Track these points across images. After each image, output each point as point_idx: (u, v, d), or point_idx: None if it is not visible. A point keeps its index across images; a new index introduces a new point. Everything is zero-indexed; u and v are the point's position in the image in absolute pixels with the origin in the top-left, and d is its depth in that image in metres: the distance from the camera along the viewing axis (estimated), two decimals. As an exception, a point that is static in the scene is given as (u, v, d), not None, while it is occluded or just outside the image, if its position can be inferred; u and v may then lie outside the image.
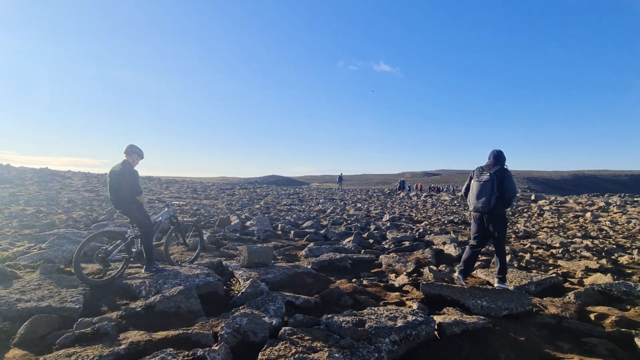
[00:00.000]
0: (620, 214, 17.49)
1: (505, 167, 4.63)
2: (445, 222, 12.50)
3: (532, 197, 28.90)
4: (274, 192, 27.23)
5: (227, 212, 12.12)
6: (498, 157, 4.68)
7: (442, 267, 6.27)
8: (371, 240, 8.35)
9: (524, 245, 8.82)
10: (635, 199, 26.99)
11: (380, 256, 6.60)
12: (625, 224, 13.85)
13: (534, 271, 6.37)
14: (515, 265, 6.67)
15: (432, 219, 13.47)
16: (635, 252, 7.83)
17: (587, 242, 9.59)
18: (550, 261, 7.30)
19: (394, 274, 5.74)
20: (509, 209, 15.63)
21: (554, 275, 6.08)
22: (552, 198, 27.46)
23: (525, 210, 19.26)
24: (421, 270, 5.98)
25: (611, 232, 11.66)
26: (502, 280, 4.80)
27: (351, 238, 7.94)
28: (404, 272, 5.75)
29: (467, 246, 4.92)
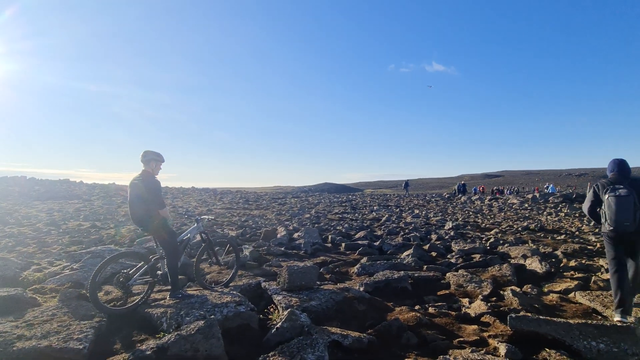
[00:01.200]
0: None
1: (638, 177, 4.06)
2: (520, 229, 10.90)
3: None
4: (325, 200, 26.62)
5: (275, 223, 11.62)
6: (624, 167, 4.11)
7: (527, 287, 5.06)
8: (434, 254, 7.26)
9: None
10: None
11: (447, 274, 5.53)
12: None
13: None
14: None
15: (503, 226, 11.87)
16: None
17: None
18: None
19: (466, 299, 4.67)
20: None
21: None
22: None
23: None
24: (501, 292, 4.84)
25: None
26: (624, 312, 3.81)
27: (410, 251, 6.92)
28: (480, 296, 4.66)
29: (612, 274, 4.04)
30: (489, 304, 4.33)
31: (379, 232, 10.08)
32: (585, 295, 4.56)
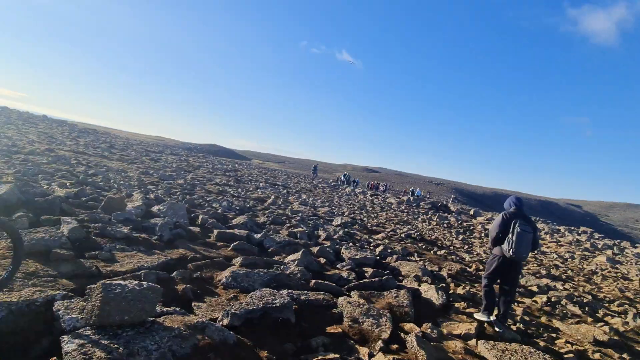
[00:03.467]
0: (555, 244, 17.37)
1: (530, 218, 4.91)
2: (403, 235, 10.73)
3: (471, 212, 28.94)
4: (208, 165, 23.95)
5: (133, 186, 9.10)
6: (522, 206, 4.90)
7: (426, 327, 4.23)
8: (323, 260, 6.12)
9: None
10: (557, 228, 27.99)
11: (340, 298, 4.38)
12: (570, 260, 13.30)
13: (541, 341, 4.62)
14: (514, 328, 4.88)
15: (388, 230, 11.64)
16: (630, 316, 6.54)
17: (559, 285, 8.36)
18: (544, 320, 5.68)
19: (364, 345, 3.54)
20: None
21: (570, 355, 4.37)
22: (490, 215, 27.67)
23: (471, 227, 18.47)
24: (402, 336, 3.87)
25: (569, 272, 10.74)
26: (489, 314, 4.82)
27: (298, 256, 5.62)
28: (379, 341, 3.59)
29: (486, 280, 4.87)
30: (391, 357, 3.28)
31: (262, 219, 8.60)
32: (490, 349, 3.88)
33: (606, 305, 7.53)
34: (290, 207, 11.78)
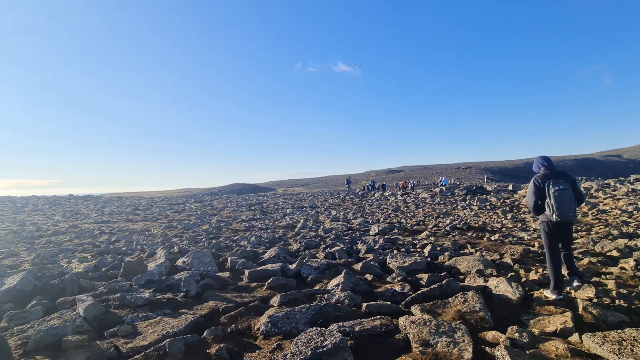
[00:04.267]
0: (611, 199, 15.85)
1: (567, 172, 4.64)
2: (448, 228, 9.86)
3: (510, 187, 27.38)
4: (232, 204, 23.77)
5: (156, 243, 8.75)
6: (552, 163, 4.65)
7: (511, 330, 3.46)
8: (369, 277, 5.43)
9: (577, 259, 6.27)
10: (606, 182, 25.91)
11: (400, 319, 3.68)
12: (636, 212, 11.94)
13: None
14: (617, 306, 3.99)
15: (429, 225, 10.79)
16: None
17: (639, 243, 7.27)
18: (645, 288, 4.73)
19: (446, 376, 2.83)
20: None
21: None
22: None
23: (516, 203, 17.20)
24: (487, 350, 3.13)
25: (645, 225, 9.51)
26: (559, 292, 4.32)
27: (340, 278, 4.97)
28: (463, 366, 2.87)
29: (550, 256, 4.49)
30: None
31: (295, 246, 8.01)
32: (601, 343, 3.07)
33: None
34: (322, 226, 11.16)
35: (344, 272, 5.09)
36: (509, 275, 5.25)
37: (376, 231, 9.69)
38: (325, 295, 4.50)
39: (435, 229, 10.11)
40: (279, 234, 9.99)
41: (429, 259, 6.44)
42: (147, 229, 11.65)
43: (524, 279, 5.18)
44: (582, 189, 4.24)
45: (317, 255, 7.05)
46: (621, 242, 7.22)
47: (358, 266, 5.91)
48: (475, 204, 17.28)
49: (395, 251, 6.96)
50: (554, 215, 4.29)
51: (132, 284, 5.12)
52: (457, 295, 4.19)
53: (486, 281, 4.91)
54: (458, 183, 41.42)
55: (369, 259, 6.41)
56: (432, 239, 8.57)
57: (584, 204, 15.48)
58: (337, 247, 7.28)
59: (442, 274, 5.38)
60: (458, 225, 10.19)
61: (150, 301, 4.45)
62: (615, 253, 6.47)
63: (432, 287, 4.53)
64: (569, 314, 3.68)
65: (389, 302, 4.28)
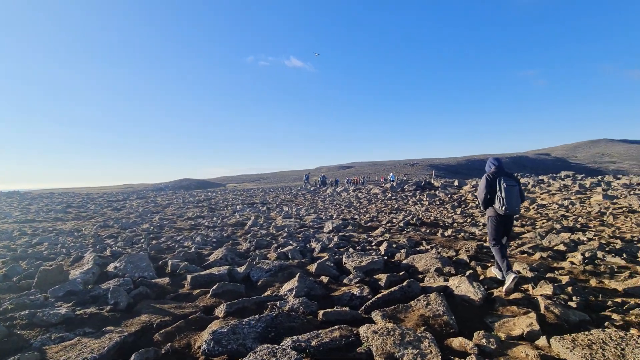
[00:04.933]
0: (547, 194, 16.97)
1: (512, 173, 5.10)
2: (402, 224, 9.80)
3: (456, 183, 28.57)
4: (178, 201, 22.39)
5: (87, 246, 7.74)
6: (502, 164, 5.01)
7: (477, 336, 3.24)
8: (324, 279, 5.04)
9: (529, 254, 6.37)
10: (540, 178, 27.95)
11: (362, 329, 3.32)
12: (571, 206, 12.80)
13: (613, 314, 3.73)
14: (574, 305, 3.95)
15: (383, 221, 10.70)
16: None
17: (582, 236, 7.63)
18: (594, 283, 4.81)
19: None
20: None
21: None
22: (474, 182, 27.36)
23: (462, 198, 17.84)
24: (455, 360, 2.87)
25: (580, 219, 10.12)
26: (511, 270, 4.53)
27: (294, 282, 4.53)
28: (432, 381, 2.57)
29: (497, 247, 4.80)
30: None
31: (244, 246, 7.44)
32: (572, 348, 2.92)
33: (639, 245, 6.83)
34: (273, 224, 10.64)
35: (298, 274, 4.66)
36: (467, 273, 5.14)
37: (330, 228, 9.38)
38: (278, 303, 4.04)
39: (389, 225, 10.01)
40: (227, 232, 9.33)
41: (385, 258, 6.21)
42: (77, 229, 10.40)
43: (482, 277, 5.10)
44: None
45: (268, 255, 6.56)
46: (565, 235, 7.50)
47: (313, 267, 5.51)
48: (425, 199, 17.66)
49: (351, 249, 6.66)
50: (503, 208, 4.59)
51: (48, 296, 4.30)
52: (419, 298, 3.93)
53: (446, 280, 4.73)
54: (405, 179, 42.74)
55: (324, 258, 6.04)
56: (387, 235, 8.41)
57: (526, 202, 16.44)
58: (290, 247, 6.83)
59: (401, 273, 5.14)
60: (411, 221, 10.18)
61: (67, 318, 3.71)
62: (562, 247, 6.67)
63: (392, 289, 4.24)
64: (533, 314, 3.55)
65: (347, 308, 3.91)
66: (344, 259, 5.96)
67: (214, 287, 4.58)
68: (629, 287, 4.49)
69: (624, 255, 6.06)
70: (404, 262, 5.89)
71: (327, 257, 6.11)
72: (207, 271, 5.31)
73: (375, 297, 4.13)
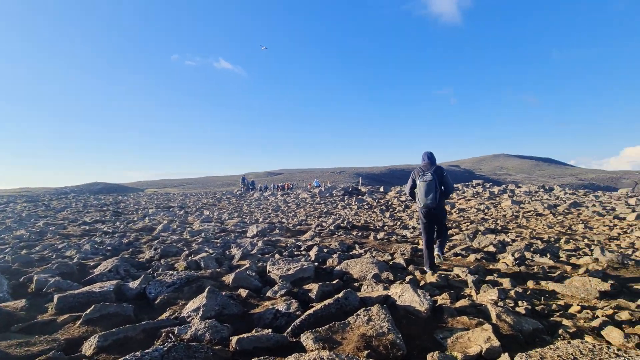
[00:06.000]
0: (464, 200, 17.94)
1: (440, 165, 5.12)
2: (332, 227, 9.18)
3: (381, 189, 29.28)
4: (79, 204, 19.39)
5: None
6: (432, 158, 5.21)
7: (431, 358, 2.61)
8: (243, 292, 4.08)
9: (463, 257, 6.10)
10: (455, 185, 29.95)
11: (288, 360, 2.49)
12: (487, 210, 13.46)
13: (562, 319, 3.39)
14: (522, 310, 3.56)
15: (312, 225, 9.99)
16: (596, 251, 5.93)
17: (506, 238, 7.71)
18: (532, 285, 4.57)
19: None
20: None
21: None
22: (398, 188, 28.30)
23: (389, 203, 18.02)
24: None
25: (499, 222, 10.49)
26: (432, 267, 5.06)
27: (201, 299, 3.52)
28: None
29: (424, 237, 5.14)
30: None
31: (147, 254, 6.13)
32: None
33: (557, 245, 7.03)
34: (189, 228, 9.30)
35: (208, 289, 3.64)
36: (408, 278, 4.59)
37: (255, 232, 8.39)
38: (176, 329, 3.00)
39: (319, 228, 9.33)
40: (129, 239, 7.81)
41: (316, 264, 5.45)
42: None
43: (422, 282, 4.58)
44: (450, 180, 5.11)
45: (176, 265, 5.39)
46: (491, 237, 7.49)
47: (230, 278, 4.52)
48: (354, 203, 17.47)
49: (277, 255, 5.80)
50: (419, 203, 5.05)
51: None
52: (359, 312, 3.20)
53: (386, 289, 4.09)
54: (329, 185, 43.15)
55: (244, 267, 5.07)
56: (317, 239, 7.70)
57: (454, 194, 17.10)
58: (205, 254, 5.73)
59: (335, 282, 4.40)
60: (342, 225, 9.63)
61: None
62: (492, 248, 6.55)
63: (326, 303, 3.45)
64: (488, 327, 3.02)
65: (270, 331, 3.03)
66: (268, 267, 5.05)
67: (88, 310, 3.37)
68: (566, 288, 4.30)
69: (549, 255, 6.08)
70: (337, 268, 5.17)
71: (248, 265, 5.15)
72: (86, 288, 4.02)
73: (306, 313, 3.31)
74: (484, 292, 4.07)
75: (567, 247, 6.83)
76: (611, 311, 3.53)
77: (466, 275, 4.73)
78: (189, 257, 5.71)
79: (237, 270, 4.74)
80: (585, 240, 7.43)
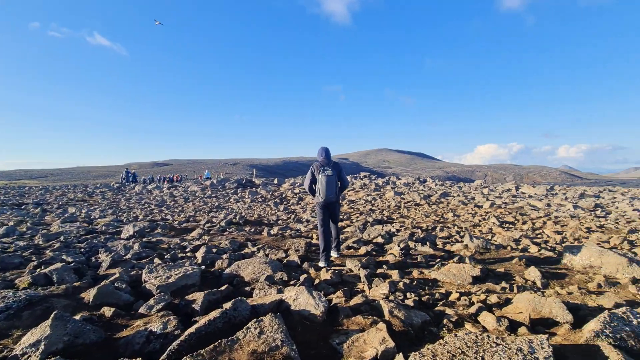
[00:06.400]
0: (352, 191, 19.00)
1: (337, 162, 5.40)
2: (223, 224, 8.58)
3: (275, 181, 29.22)
4: None
5: None
6: (329, 153, 5.41)
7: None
8: (108, 311, 3.34)
9: (355, 249, 6.21)
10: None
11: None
12: (373, 200, 14.38)
13: (445, 308, 3.58)
14: (411, 303, 3.67)
15: (201, 221, 9.20)
16: (466, 238, 6.64)
17: (392, 228, 8.21)
18: (416, 274, 4.84)
19: None
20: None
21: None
22: (292, 180, 28.58)
23: (283, 195, 17.96)
24: None
25: (384, 212, 11.23)
26: (327, 260, 5.17)
27: (44, 328, 2.73)
28: None
29: (320, 230, 5.28)
30: None
31: (-25, 269, 4.73)
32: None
33: (434, 233, 7.71)
34: (44, 230, 7.65)
35: (53, 315, 2.85)
36: (302, 277, 4.40)
37: (131, 233, 7.30)
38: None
39: (208, 225, 8.62)
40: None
41: (203, 267, 4.90)
42: None
43: (317, 280, 4.44)
44: (347, 178, 5.52)
45: (17, 281, 4.25)
46: (379, 228, 7.87)
47: (90, 295, 3.69)
48: (247, 196, 16.91)
49: (157, 260, 5.06)
50: (320, 197, 5.20)
51: None
52: (250, 325, 2.85)
53: (280, 292, 3.82)
54: (225, 177, 41.62)
55: (113, 277, 4.25)
56: (206, 237, 7.06)
57: (348, 190, 17.79)
58: (60, 264, 4.66)
59: (224, 287, 3.95)
60: (234, 220, 9.09)
61: None
62: (380, 239, 6.85)
63: (212, 317, 3.00)
64: (382, 325, 2.97)
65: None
66: (144, 275, 4.32)
67: None
68: (445, 275, 4.64)
69: (428, 244, 6.61)
70: (227, 271, 4.72)
71: (118, 275, 4.33)
72: None
73: (187, 332, 2.82)
74: (376, 286, 4.13)
75: (442, 234, 7.54)
76: (483, 296, 3.87)
77: (359, 270, 4.78)
78: (37, 270, 4.58)
79: (102, 283, 3.92)
80: (456, 228, 8.34)
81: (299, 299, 3.44)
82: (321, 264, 5.13)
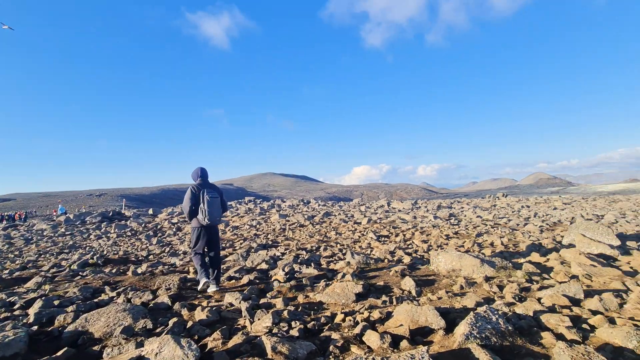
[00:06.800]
0: (237, 217, 18.42)
1: (214, 184, 5.30)
2: (76, 267, 7.08)
3: (151, 212, 26.52)
4: None
5: None
6: (206, 174, 5.25)
7: None
8: None
9: (237, 279, 5.70)
10: (229, 203, 30.76)
11: None
12: (258, 225, 14.09)
13: (332, 333, 3.41)
14: (296, 333, 3.39)
15: (45, 267, 7.44)
16: (347, 255, 6.74)
17: (276, 252, 7.95)
18: (300, 298, 4.63)
19: None
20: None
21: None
22: (171, 209, 26.27)
23: (159, 226, 16.22)
24: None
25: (270, 236, 10.95)
26: (217, 282, 5.13)
27: None
28: None
29: (197, 256, 5.10)
30: None
31: None
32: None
33: (318, 253, 7.72)
34: None
35: None
36: (171, 322, 3.73)
37: None
38: None
39: (54, 270, 7.01)
40: None
41: (35, 327, 3.79)
42: None
43: (190, 323, 3.83)
44: (226, 201, 5.45)
45: None
46: (263, 253, 7.52)
47: None
48: (113, 231, 14.69)
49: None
50: (206, 219, 4.95)
51: None
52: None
53: (141, 345, 3.13)
54: (87, 211, 36.13)
55: None
56: (47, 287, 5.65)
57: (228, 212, 16.81)
58: None
59: (61, 352, 3.05)
60: (91, 261, 7.61)
61: None
62: (264, 265, 6.49)
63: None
64: (262, 366, 2.62)
65: None
66: None
67: None
68: (330, 296, 4.54)
69: (313, 264, 6.53)
70: (71, 327, 3.72)
71: None
72: None
73: None
74: (259, 319, 3.74)
75: (325, 254, 7.59)
76: (367, 313, 3.83)
77: (240, 303, 4.33)
78: None
79: None
80: (338, 246, 8.53)
81: (163, 351, 2.83)
82: (202, 284, 5.01)
